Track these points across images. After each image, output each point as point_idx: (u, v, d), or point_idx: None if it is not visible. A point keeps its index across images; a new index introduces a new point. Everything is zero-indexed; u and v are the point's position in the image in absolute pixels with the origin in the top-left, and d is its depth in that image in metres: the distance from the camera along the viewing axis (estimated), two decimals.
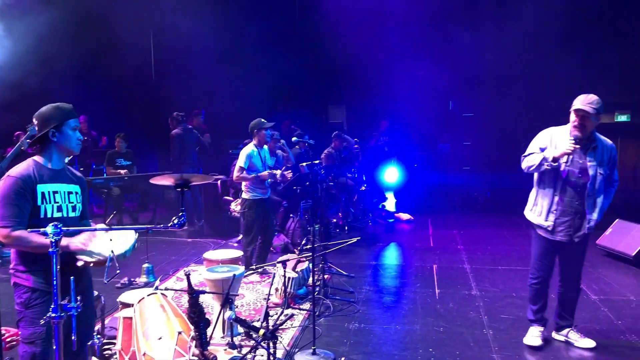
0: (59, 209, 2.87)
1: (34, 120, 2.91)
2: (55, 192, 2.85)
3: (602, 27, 10.60)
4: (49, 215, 2.81)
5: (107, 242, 2.81)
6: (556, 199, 4.27)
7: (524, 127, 12.02)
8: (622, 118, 13.20)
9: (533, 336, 4.51)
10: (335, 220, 9.12)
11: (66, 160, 3.00)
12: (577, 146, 4.08)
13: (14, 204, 2.68)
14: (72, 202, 2.95)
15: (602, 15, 10.33)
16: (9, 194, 2.70)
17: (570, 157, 4.18)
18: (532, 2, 10.80)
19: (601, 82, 11.49)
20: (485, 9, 11.38)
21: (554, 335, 4.59)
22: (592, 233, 4.32)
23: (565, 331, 4.51)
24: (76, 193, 3.00)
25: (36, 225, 2.69)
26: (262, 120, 6.38)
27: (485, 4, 11.51)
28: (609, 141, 4.28)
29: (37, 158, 2.89)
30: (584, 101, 4.10)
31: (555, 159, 4.11)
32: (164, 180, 2.92)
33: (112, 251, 2.71)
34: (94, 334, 2.91)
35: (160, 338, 3.33)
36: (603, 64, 11.05)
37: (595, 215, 4.21)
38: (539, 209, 4.38)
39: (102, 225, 3.02)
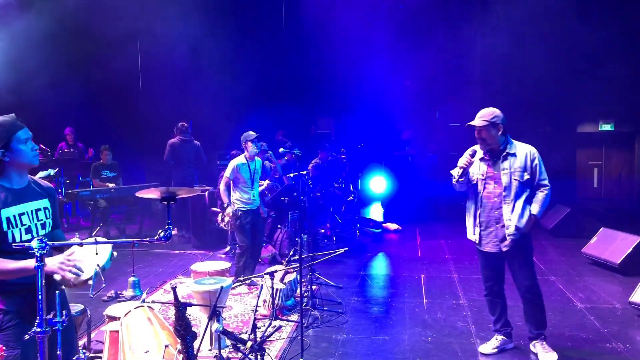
0: (28, 230, 2.70)
1: None
2: (21, 215, 2.68)
3: (586, 38, 10.75)
4: (17, 240, 2.62)
5: (89, 257, 2.70)
6: (478, 212, 4.38)
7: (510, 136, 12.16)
8: (606, 127, 13.39)
9: (488, 345, 4.58)
10: (323, 230, 9.12)
11: (52, 172, 2.91)
12: (472, 159, 4.27)
13: None
14: (41, 220, 2.79)
15: (587, 26, 10.48)
16: None
17: (485, 169, 4.32)
18: (517, 13, 10.95)
19: (586, 91, 11.70)
20: (471, 19, 11.51)
21: (530, 346, 4.57)
22: (517, 238, 4.22)
23: (532, 342, 4.50)
24: (45, 208, 2.83)
25: (4, 251, 2.56)
26: (250, 132, 6.42)
27: (471, 14, 11.64)
28: (528, 147, 4.31)
29: None
30: (477, 116, 4.29)
31: (459, 174, 4.30)
32: (150, 194, 2.88)
33: (98, 264, 2.65)
34: (80, 348, 2.87)
35: (147, 352, 3.30)
36: (588, 74, 11.20)
37: (514, 222, 4.22)
38: (469, 224, 4.49)
39: (77, 239, 2.87)
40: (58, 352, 2.36)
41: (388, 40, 11.66)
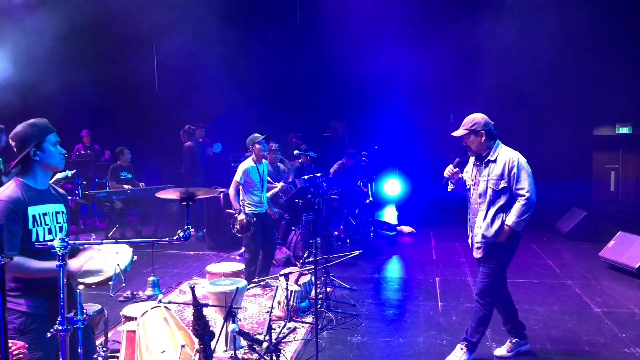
0: (50, 231, 2.76)
1: (10, 141, 2.77)
2: (44, 214, 2.75)
3: (604, 40, 10.66)
4: (40, 239, 2.68)
5: (110, 257, 2.76)
6: (469, 217, 4.39)
7: (525, 140, 12.09)
8: (624, 130, 13.24)
9: (503, 348, 4.56)
10: (336, 233, 9.11)
11: (70, 174, 2.96)
12: (454, 169, 4.30)
13: (5, 229, 2.52)
14: (60, 223, 2.85)
15: (605, 28, 10.39)
16: (0, 219, 2.53)
17: (475, 175, 4.31)
18: (533, 15, 10.88)
19: (602, 94, 11.58)
20: (486, 21, 11.44)
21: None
22: (487, 247, 4.18)
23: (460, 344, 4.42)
24: (62, 212, 2.89)
25: (27, 249, 2.61)
26: (256, 134, 6.40)
27: (486, 16, 11.57)
28: (510, 154, 4.15)
29: (22, 179, 2.75)
30: (461, 124, 4.27)
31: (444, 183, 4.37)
32: (170, 194, 2.92)
33: (119, 264, 2.68)
34: (100, 346, 2.90)
35: (163, 351, 3.33)
36: (606, 76, 11.09)
37: (482, 229, 4.18)
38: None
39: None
40: (79, 351, 2.39)
41: (402, 42, 11.65)
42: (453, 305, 5.88)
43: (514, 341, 4.53)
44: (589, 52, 10.98)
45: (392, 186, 11.25)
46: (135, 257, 2.91)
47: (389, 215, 10.96)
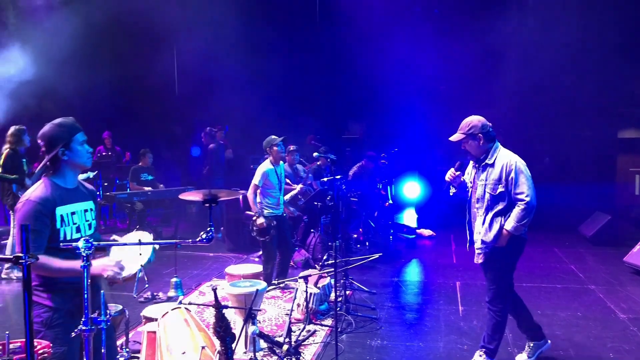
0: (78, 229, 2.83)
1: (38, 141, 2.82)
2: (73, 213, 2.81)
3: (629, 39, 10.48)
4: (68, 237, 2.75)
5: (134, 255, 2.79)
6: (467, 219, 4.32)
7: (548, 142, 11.94)
8: None
9: (524, 353, 4.48)
10: (355, 235, 9.07)
11: (91, 175, 2.98)
12: (456, 173, 4.21)
13: (33, 229, 2.58)
14: (88, 220, 2.92)
15: (630, 27, 10.22)
16: (28, 220, 2.62)
17: (473, 178, 4.23)
18: (553, 14, 10.75)
19: (628, 96, 11.38)
20: (507, 23, 11.33)
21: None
22: (487, 252, 4.12)
23: (478, 351, 4.35)
24: (91, 209, 2.96)
25: (55, 248, 2.66)
26: (273, 137, 6.37)
27: (508, 18, 11.47)
28: (508, 157, 4.04)
29: (51, 178, 2.80)
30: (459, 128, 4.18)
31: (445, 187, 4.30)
32: (193, 196, 2.92)
33: (142, 265, 2.71)
34: (124, 347, 2.92)
35: (184, 353, 3.34)
36: (630, 77, 10.90)
37: (481, 235, 4.10)
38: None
39: (116, 237, 2.98)
40: (102, 351, 2.41)
41: (421, 44, 11.58)
42: (474, 309, 5.81)
43: (532, 345, 4.46)
44: (613, 51, 10.78)
45: (412, 189, 11.19)
46: (157, 246, 2.93)
47: (409, 218, 10.90)
